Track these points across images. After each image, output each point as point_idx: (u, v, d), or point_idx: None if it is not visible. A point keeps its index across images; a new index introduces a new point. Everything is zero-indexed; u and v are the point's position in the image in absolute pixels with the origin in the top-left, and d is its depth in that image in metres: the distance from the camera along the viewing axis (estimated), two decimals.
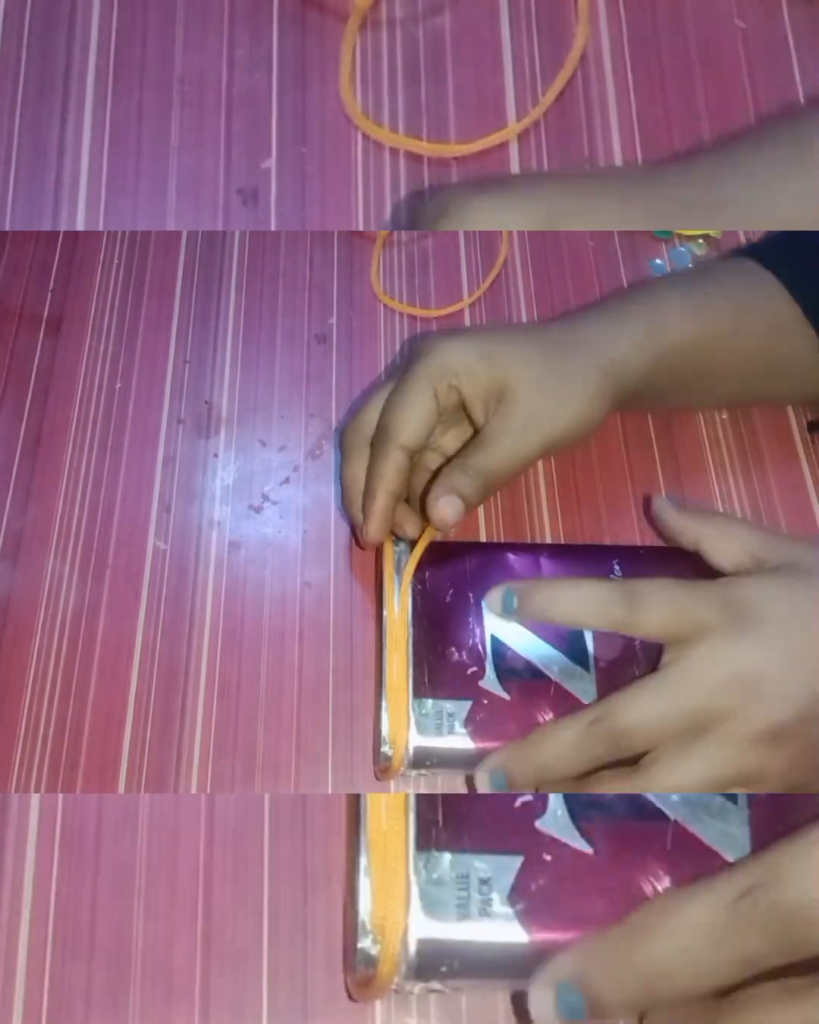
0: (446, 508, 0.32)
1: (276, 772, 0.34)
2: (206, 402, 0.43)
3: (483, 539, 0.39)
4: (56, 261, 0.46)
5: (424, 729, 0.31)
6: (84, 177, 0.36)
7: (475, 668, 0.32)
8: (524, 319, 0.45)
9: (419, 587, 0.34)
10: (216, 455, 0.41)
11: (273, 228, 0.36)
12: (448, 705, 0.31)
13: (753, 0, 0.38)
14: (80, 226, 0.36)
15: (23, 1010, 0.30)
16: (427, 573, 0.34)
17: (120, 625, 0.37)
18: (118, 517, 0.39)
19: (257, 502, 0.40)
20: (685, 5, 0.38)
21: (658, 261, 0.46)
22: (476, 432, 0.35)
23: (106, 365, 0.43)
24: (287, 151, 0.37)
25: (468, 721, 0.31)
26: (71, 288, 0.46)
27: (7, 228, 0.36)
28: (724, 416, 0.42)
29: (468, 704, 0.31)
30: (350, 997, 0.29)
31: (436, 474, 0.34)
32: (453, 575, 0.34)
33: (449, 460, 0.35)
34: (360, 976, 0.26)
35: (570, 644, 0.32)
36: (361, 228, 0.36)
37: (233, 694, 0.35)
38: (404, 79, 0.37)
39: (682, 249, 0.46)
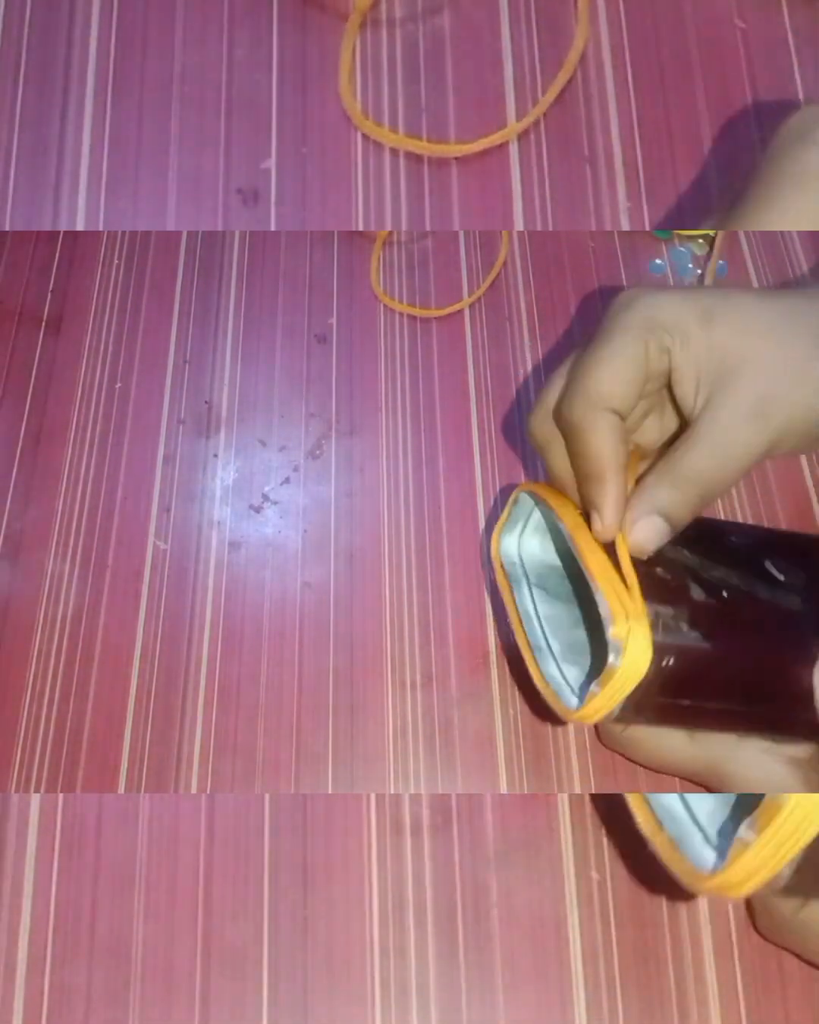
0: (648, 532, 0.26)
1: (276, 772, 0.34)
2: (206, 402, 0.43)
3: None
4: (56, 261, 0.46)
5: None
6: (84, 177, 0.36)
7: None
8: (524, 319, 0.45)
9: None
10: (216, 455, 0.41)
11: (273, 228, 0.36)
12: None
13: (753, 0, 0.38)
14: (80, 226, 0.36)
15: (23, 1010, 0.30)
16: None
17: (120, 625, 0.37)
18: (118, 517, 0.39)
19: (257, 502, 0.40)
20: (685, 5, 0.38)
21: (658, 261, 0.46)
22: (682, 424, 0.29)
23: (106, 365, 0.43)
24: (287, 151, 0.37)
25: None
26: (71, 288, 0.46)
27: (7, 228, 0.36)
28: None
29: None
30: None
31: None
32: None
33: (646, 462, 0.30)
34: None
35: None
36: (361, 228, 0.36)
37: (233, 694, 0.35)
38: (404, 79, 0.37)
39: (682, 249, 0.46)
